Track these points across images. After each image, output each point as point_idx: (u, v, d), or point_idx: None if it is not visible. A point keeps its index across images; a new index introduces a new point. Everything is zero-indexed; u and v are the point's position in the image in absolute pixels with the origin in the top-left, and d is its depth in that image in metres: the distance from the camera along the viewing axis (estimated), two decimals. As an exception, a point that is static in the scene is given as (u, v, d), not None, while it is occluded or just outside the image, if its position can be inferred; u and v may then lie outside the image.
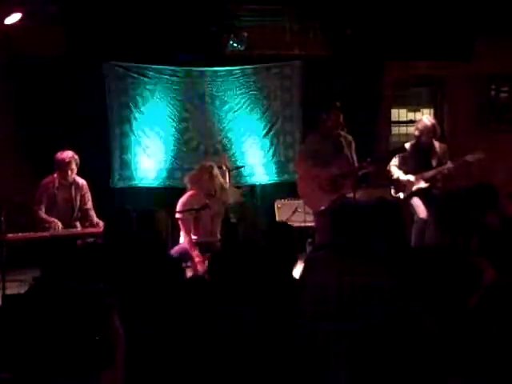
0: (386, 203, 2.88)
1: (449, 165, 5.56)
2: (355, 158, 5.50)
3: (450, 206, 2.50)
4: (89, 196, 5.59)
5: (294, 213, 6.38)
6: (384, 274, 2.40)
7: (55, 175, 5.47)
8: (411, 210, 5.57)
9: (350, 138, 5.52)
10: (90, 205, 5.58)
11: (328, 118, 5.40)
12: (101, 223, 5.37)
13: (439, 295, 2.25)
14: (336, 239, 2.62)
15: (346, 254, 2.55)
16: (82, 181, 5.58)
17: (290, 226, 3.48)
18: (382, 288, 2.38)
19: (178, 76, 7.04)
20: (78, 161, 5.46)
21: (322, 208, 5.35)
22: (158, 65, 6.95)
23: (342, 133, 5.48)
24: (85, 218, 5.53)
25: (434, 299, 2.20)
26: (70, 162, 5.40)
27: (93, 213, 5.54)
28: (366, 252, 2.56)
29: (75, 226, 5.42)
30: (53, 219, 5.27)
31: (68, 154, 5.42)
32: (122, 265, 2.95)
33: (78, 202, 5.54)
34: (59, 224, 5.24)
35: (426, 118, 5.98)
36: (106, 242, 3.45)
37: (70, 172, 5.43)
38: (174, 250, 5.11)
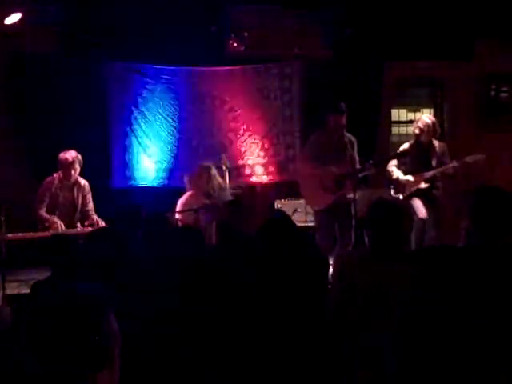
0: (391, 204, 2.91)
1: (454, 163, 5.52)
2: (357, 159, 5.50)
3: (489, 204, 2.48)
4: (90, 197, 5.58)
5: (294, 213, 6.37)
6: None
7: (57, 175, 5.45)
8: (411, 211, 5.56)
9: (352, 138, 5.51)
10: (91, 206, 5.57)
11: (332, 118, 5.39)
12: (101, 222, 5.38)
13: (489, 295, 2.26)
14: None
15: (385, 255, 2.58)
16: (84, 181, 5.56)
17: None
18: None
19: (177, 76, 7.04)
20: (82, 161, 5.45)
21: (323, 207, 5.41)
22: (157, 65, 6.95)
23: (346, 133, 5.48)
24: (86, 219, 5.53)
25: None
26: (73, 162, 5.38)
27: (93, 213, 5.54)
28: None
29: (76, 227, 5.42)
30: (54, 219, 5.25)
31: (72, 154, 5.39)
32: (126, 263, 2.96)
33: (80, 203, 5.52)
34: (62, 225, 5.24)
35: (425, 116, 5.98)
36: (112, 241, 3.44)
37: (73, 172, 5.41)
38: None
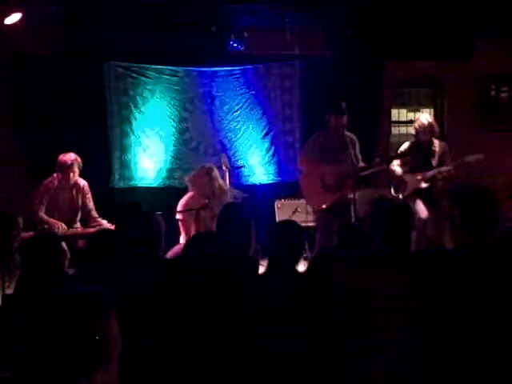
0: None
1: (448, 167, 5.55)
2: (360, 157, 5.51)
3: (478, 203, 2.52)
4: (90, 197, 5.56)
5: (294, 213, 6.38)
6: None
7: (57, 175, 5.42)
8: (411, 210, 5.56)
9: (354, 137, 5.53)
10: (91, 206, 5.54)
11: (332, 118, 5.39)
12: (104, 222, 5.37)
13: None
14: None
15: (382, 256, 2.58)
16: (83, 182, 5.54)
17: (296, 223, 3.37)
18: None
19: (177, 76, 7.03)
20: (81, 163, 5.42)
21: (324, 207, 5.41)
22: (157, 65, 6.94)
23: (347, 133, 5.48)
24: (88, 219, 5.51)
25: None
26: (72, 165, 5.34)
27: (95, 213, 5.52)
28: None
29: (76, 228, 5.41)
30: (55, 221, 5.24)
31: (71, 157, 5.36)
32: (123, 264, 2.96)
33: (80, 204, 5.51)
34: (63, 225, 5.22)
35: (423, 116, 5.98)
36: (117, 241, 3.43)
37: (71, 175, 5.38)
38: (175, 251, 5.11)
